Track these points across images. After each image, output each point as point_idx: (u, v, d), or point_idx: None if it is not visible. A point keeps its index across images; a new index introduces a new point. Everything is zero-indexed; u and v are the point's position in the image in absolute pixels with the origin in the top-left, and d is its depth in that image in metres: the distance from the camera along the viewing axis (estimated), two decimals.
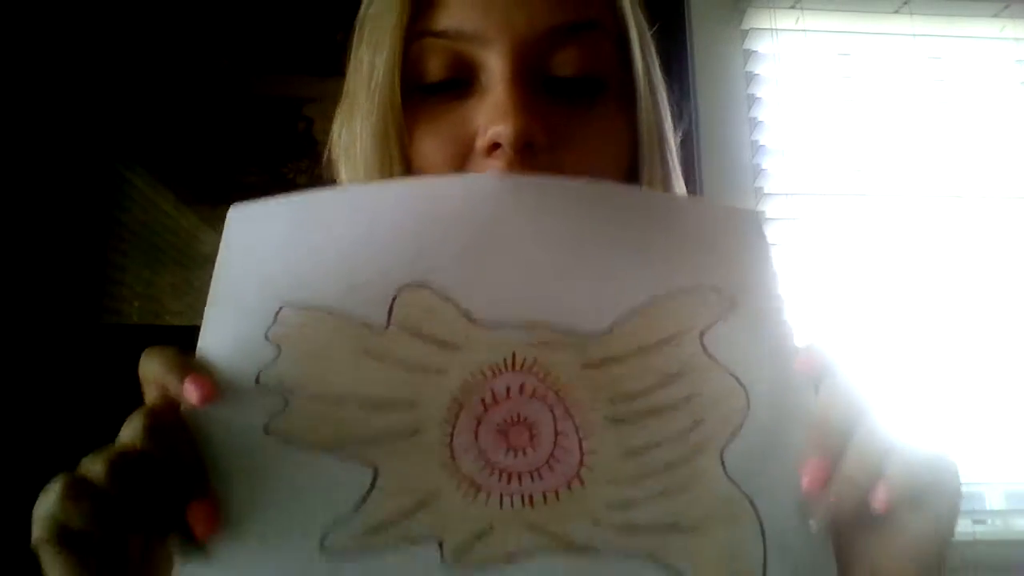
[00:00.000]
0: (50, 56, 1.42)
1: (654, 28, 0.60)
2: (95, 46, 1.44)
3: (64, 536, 0.38)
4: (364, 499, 0.41)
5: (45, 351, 1.32)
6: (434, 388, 0.43)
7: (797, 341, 0.45)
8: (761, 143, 1.54)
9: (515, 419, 0.43)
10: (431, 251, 0.45)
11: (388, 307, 0.43)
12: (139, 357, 0.41)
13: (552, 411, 0.43)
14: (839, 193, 1.55)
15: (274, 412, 0.42)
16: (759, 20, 1.57)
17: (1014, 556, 1.47)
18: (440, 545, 0.41)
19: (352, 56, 0.57)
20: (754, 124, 1.55)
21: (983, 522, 1.53)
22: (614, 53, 0.54)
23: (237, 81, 1.51)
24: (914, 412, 0.41)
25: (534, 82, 0.50)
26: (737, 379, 0.44)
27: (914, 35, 1.57)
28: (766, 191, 1.53)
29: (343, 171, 0.58)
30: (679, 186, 0.60)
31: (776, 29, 1.56)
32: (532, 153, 0.49)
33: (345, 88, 0.58)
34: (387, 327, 0.43)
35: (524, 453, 0.42)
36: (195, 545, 0.39)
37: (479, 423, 0.42)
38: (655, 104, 0.56)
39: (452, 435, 0.42)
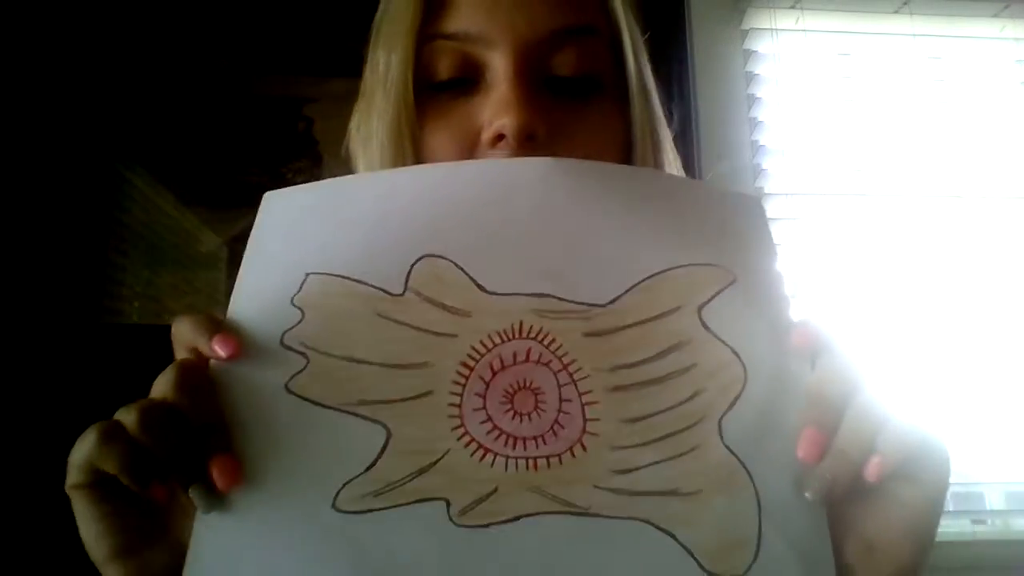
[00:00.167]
0: (50, 57, 1.44)
1: (647, 35, 0.64)
2: (95, 46, 1.46)
3: (97, 481, 0.41)
4: (377, 458, 0.44)
5: (45, 351, 1.33)
6: (445, 351, 0.45)
7: (794, 317, 0.47)
8: (761, 143, 1.56)
9: (521, 384, 0.45)
10: (447, 227, 0.48)
11: (405, 275, 0.46)
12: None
13: (556, 378, 0.45)
14: (839, 193, 1.57)
15: (295, 371, 0.45)
16: (759, 20, 1.60)
17: (1014, 556, 1.48)
18: (447, 504, 0.43)
19: (368, 57, 0.61)
20: (754, 124, 1.57)
21: (983, 522, 1.54)
22: (609, 55, 0.58)
23: (237, 81, 1.52)
24: (905, 389, 0.44)
25: (535, 80, 0.54)
26: (734, 351, 0.46)
27: (914, 35, 1.59)
28: (766, 191, 1.55)
29: (360, 163, 0.63)
30: None
31: (776, 29, 1.58)
32: (533, 145, 0.53)
33: (362, 87, 0.62)
34: (403, 293, 0.46)
35: (529, 418, 0.45)
36: (215, 496, 0.42)
37: (487, 387, 0.45)
38: (647, 102, 0.60)
39: (462, 398, 0.45)
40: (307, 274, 0.46)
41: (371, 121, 0.59)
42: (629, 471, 0.44)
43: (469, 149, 0.55)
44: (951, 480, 0.44)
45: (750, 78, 1.58)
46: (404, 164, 0.56)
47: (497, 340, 0.46)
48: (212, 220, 1.49)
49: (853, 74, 1.60)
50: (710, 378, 0.46)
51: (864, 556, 0.44)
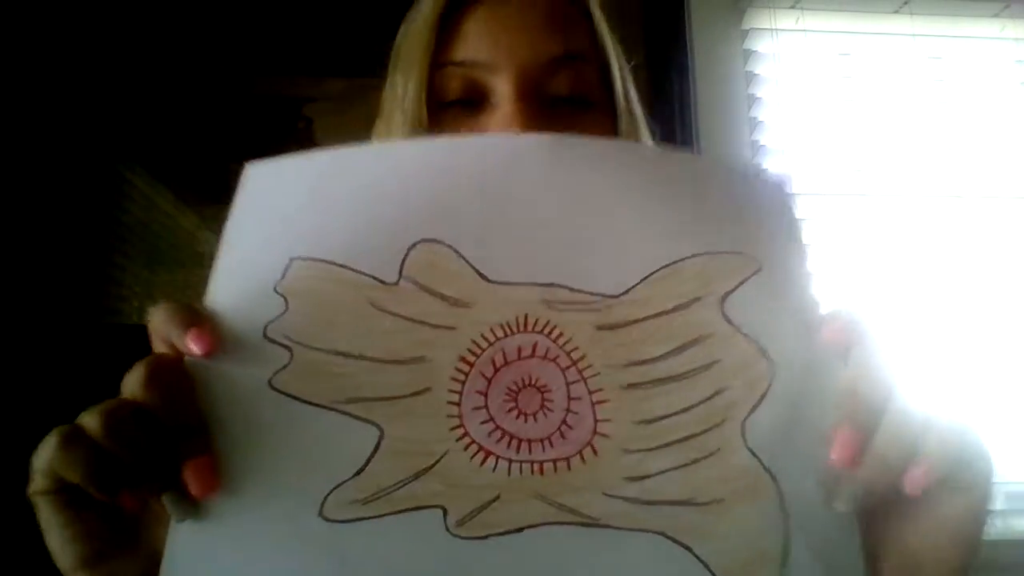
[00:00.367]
0: (50, 56, 1.40)
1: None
2: (95, 46, 1.42)
3: (59, 488, 0.37)
4: (368, 460, 0.39)
5: (45, 351, 1.29)
6: (443, 346, 0.40)
7: (824, 309, 0.42)
8: (761, 143, 1.52)
9: (526, 382, 0.40)
10: (446, 208, 0.42)
11: (400, 262, 0.41)
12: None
13: (564, 375, 0.40)
14: (839, 193, 1.53)
15: (279, 366, 0.40)
16: (759, 20, 1.55)
17: (1014, 556, 1.44)
18: (444, 513, 0.39)
19: (388, 80, 0.66)
20: (754, 124, 1.53)
21: None
22: (598, 79, 0.63)
23: (236, 81, 1.49)
24: (944, 389, 0.39)
25: (534, 100, 0.58)
26: (759, 346, 0.41)
27: (914, 35, 1.55)
28: None
29: None
30: None
31: (776, 29, 1.54)
32: None
33: (381, 107, 0.67)
34: (398, 281, 0.41)
35: (535, 418, 0.40)
36: (190, 504, 0.38)
37: (489, 384, 0.40)
38: (632, 118, 0.65)
39: (461, 396, 0.40)
40: (292, 259, 0.41)
41: (389, 138, 0.63)
42: (643, 477, 0.40)
43: None
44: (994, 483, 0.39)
45: (750, 78, 1.54)
46: None
47: (500, 333, 0.41)
48: (212, 220, 1.45)
49: (853, 74, 1.56)
50: (733, 375, 0.41)
51: (901, 571, 0.40)
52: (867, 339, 0.40)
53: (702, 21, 1.55)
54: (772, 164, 1.51)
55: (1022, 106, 1.56)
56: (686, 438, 0.40)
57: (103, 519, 0.39)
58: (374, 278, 0.41)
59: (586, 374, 0.40)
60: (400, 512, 0.39)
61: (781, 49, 1.54)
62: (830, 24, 1.56)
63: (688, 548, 0.39)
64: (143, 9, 1.46)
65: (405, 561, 0.38)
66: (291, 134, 1.48)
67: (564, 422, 0.40)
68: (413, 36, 0.63)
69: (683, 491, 0.39)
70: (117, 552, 0.39)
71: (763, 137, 1.53)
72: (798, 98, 1.54)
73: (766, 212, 0.44)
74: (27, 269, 1.32)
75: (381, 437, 0.39)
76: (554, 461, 0.40)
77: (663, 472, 0.40)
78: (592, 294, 0.41)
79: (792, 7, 1.54)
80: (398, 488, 0.39)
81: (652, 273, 0.42)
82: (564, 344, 0.41)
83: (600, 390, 0.40)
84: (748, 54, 1.55)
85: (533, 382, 0.40)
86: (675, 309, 0.41)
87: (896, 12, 1.55)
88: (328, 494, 0.39)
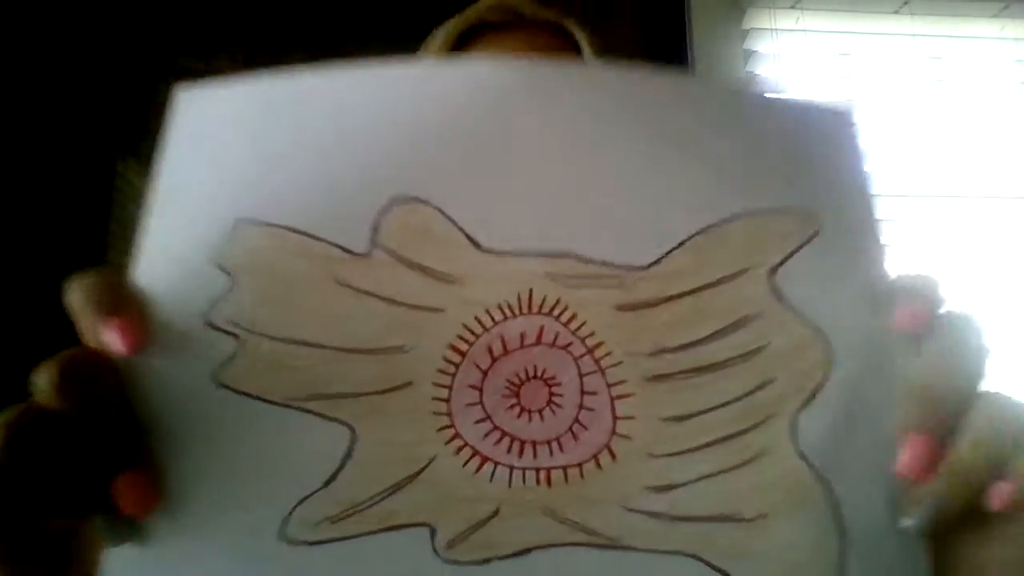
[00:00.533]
0: (49, 56, 1.33)
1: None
2: (95, 45, 1.35)
3: None
4: (338, 469, 0.31)
5: (44, 350, 1.22)
6: (428, 331, 0.32)
7: (896, 285, 0.34)
8: None
9: (530, 373, 0.32)
10: (431, 156, 0.33)
11: (372, 225, 0.32)
12: None
13: (577, 365, 0.32)
14: None
15: (226, 358, 0.31)
16: (759, 20, 1.48)
17: None
18: (432, 532, 0.31)
19: None
20: None
21: None
22: None
23: (233, 74, 1.42)
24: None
25: None
26: (816, 329, 0.33)
27: (914, 35, 1.48)
28: None
29: None
30: None
31: (776, 29, 1.47)
32: None
33: None
34: (370, 251, 0.32)
35: (541, 417, 0.32)
36: (126, 526, 0.30)
37: (485, 377, 0.32)
38: None
39: (450, 391, 0.32)
40: (237, 221, 0.32)
41: None
42: (672, 487, 0.32)
43: None
44: None
45: (750, 78, 1.46)
46: None
47: (498, 315, 0.32)
48: None
49: (853, 74, 1.49)
50: (782, 364, 0.32)
51: None
52: (949, 325, 0.32)
53: (702, 21, 1.48)
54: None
55: (1022, 106, 1.50)
56: (724, 439, 0.32)
57: (27, 545, 0.30)
58: (339, 247, 0.32)
59: (604, 363, 0.32)
60: (379, 531, 0.31)
61: (781, 49, 1.47)
62: (830, 24, 1.49)
63: (726, 573, 0.31)
64: (143, 7, 1.39)
65: None
66: None
67: (576, 421, 0.32)
68: (430, 53, 0.65)
69: (720, 504, 0.31)
70: None
71: None
72: (798, 98, 1.46)
73: (827, 157, 0.35)
74: (27, 269, 1.23)
75: (353, 440, 0.31)
76: (564, 468, 0.31)
77: (696, 481, 0.32)
78: (612, 265, 0.33)
79: (792, 7, 1.47)
80: (375, 502, 0.31)
81: (687, 239, 0.33)
82: (577, 328, 0.32)
83: (621, 382, 0.32)
84: (748, 54, 1.48)
85: (539, 374, 0.32)
86: (714, 284, 0.33)
87: (896, 12, 1.49)
88: (291, 511, 0.30)
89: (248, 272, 0.32)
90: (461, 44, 0.68)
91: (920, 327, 0.32)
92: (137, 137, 1.34)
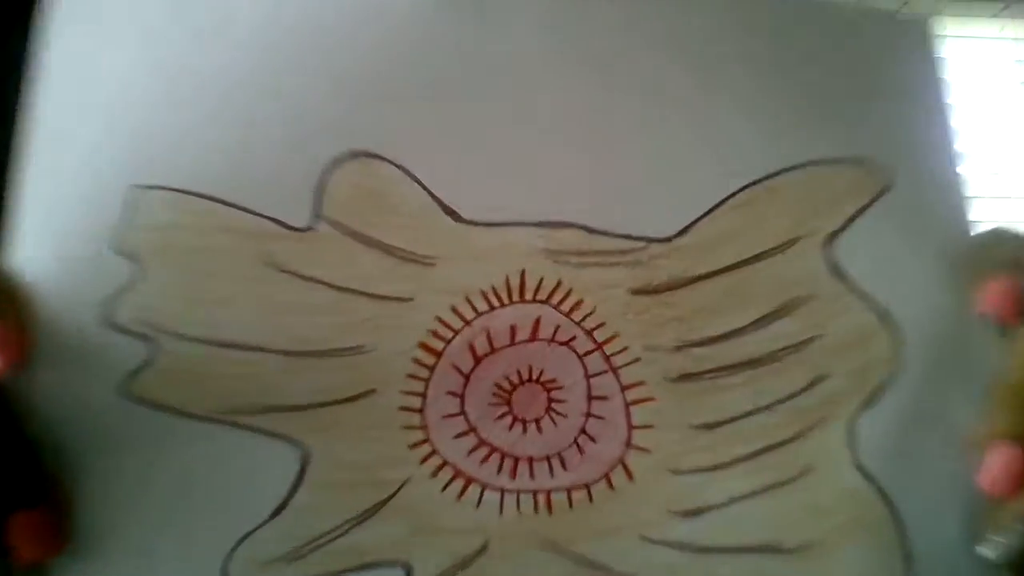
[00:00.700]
0: None
1: None
2: None
3: None
4: (288, 497, 0.24)
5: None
6: (393, 325, 0.25)
7: (982, 257, 0.26)
8: None
9: (524, 376, 0.25)
10: (391, 93, 0.25)
11: (315, 190, 0.24)
12: None
13: (583, 364, 0.25)
14: None
15: (135, 366, 0.24)
16: None
17: None
18: (407, 572, 0.25)
19: None
20: None
21: None
22: None
23: None
24: None
25: None
26: (882, 313, 0.25)
27: None
28: None
29: None
30: None
31: None
32: None
33: None
34: (314, 224, 0.24)
35: (538, 428, 0.25)
36: (25, 573, 0.24)
37: (467, 382, 0.25)
38: None
39: (424, 399, 0.24)
40: (134, 192, 0.24)
41: None
42: (701, 511, 0.25)
43: None
44: None
45: None
46: None
47: (482, 304, 0.25)
48: None
49: None
50: (840, 357, 0.26)
51: None
52: None
53: None
54: None
55: (1022, 106, 1.49)
56: (766, 450, 0.25)
57: None
58: (274, 220, 0.24)
59: (616, 361, 0.25)
60: (342, 573, 0.24)
61: None
62: None
63: None
64: None
65: None
66: None
67: (583, 432, 0.25)
68: None
69: (761, 531, 0.25)
70: None
71: None
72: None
73: (900, 85, 0.27)
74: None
75: (305, 461, 0.24)
76: (568, 490, 0.25)
77: (731, 503, 0.25)
78: (627, 237, 0.25)
79: None
80: (335, 537, 0.24)
81: (721, 202, 0.25)
82: (583, 318, 0.25)
83: (638, 384, 0.25)
84: None
85: (535, 376, 0.25)
86: (755, 258, 0.25)
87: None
88: (232, 549, 0.24)
89: (154, 254, 0.24)
90: None
91: (1013, 312, 0.25)
92: None
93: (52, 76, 0.24)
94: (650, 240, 0.25)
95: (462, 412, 0.25)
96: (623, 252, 0.25)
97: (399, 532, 0.25)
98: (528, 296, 0.25)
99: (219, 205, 0.24)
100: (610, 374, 0.25)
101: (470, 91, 0.25)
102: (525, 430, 0.25)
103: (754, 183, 0.25)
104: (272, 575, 0.24)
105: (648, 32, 0.26)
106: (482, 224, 0.24)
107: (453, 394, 0.25)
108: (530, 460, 0.25)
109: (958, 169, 0.26)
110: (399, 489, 0.25)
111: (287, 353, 0.24)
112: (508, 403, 0.25)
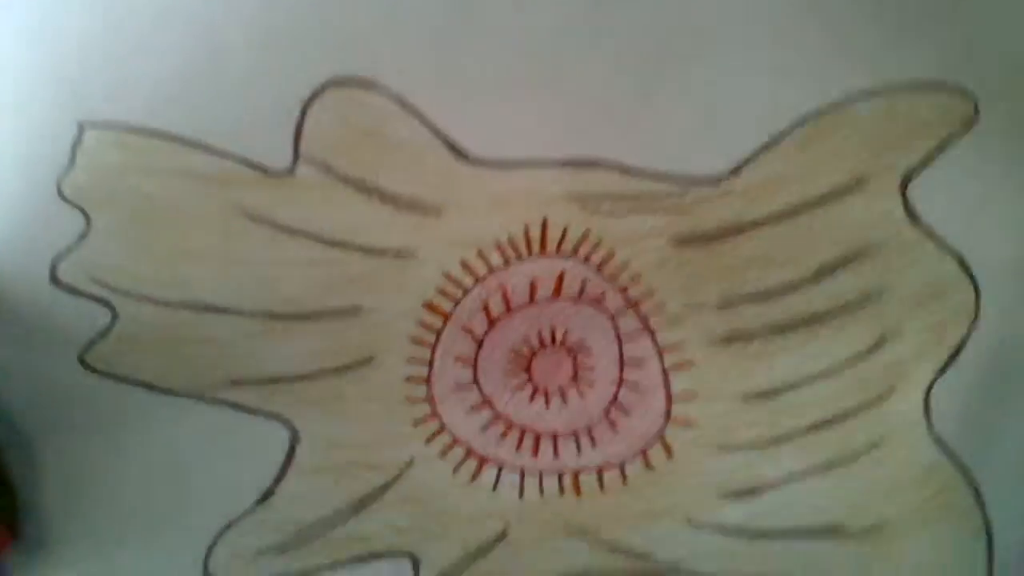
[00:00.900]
0: None
1: None
2: None
3: None
4: (276, 481, 0.21)
5: None
6: (394, 283, 0.21)
7: None
8: None
9: (546, 340, 0.21)
10: (381, 6, 0.20)
11: (294, 128, 0.20)
12: None
13: (615, 325, 0.21)
14: None
15: (95, 332, 0.20)
16: None
17: None
18: (414, 564, 0.22)
19: None
20: None
21: None
22: None
23: None
24: None
25: None
26: (962, 261, 0.21)
27: None
28: None
29: None
30: None
31: None
32: None
33: None
34: (293, 167, 0.20)
35: (563, 400, 0.21)
36: None
37: (480, 347, 0.21)
38: None
39: (431, 368, 0.21)
40: (84, 130, 0.20)
41: None
42: (753, 492, 0.22)
43: None
44: None
45: None
46: None
47: (497, 258, 0.21)
48: None
49: None
50: (914, 312, 0.22)
51: None
52: None
53: None
54: None
55: None
56: (826, 423, 0.21)
57: None
58: (245, 162, 0.20)
59: (654, 323, 0.21)
60: (342, 565, 0.21)
61: None
62: None
63: None
64: None
65: None
66: None
67: (614, 403, 0.21)
68: None
69: (819, 511, 0.22)
70: None
71: None
72: None
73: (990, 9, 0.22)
74: None
75: (294, 441, 0.21)
76: (598, 470, 0.21)
77: (788, 482, 0.22)
78: (668, 178, 0.20)
79: None
80: (332, 526, 0.21)
81: (780, 135, 0.20)
82: (615, 274, 0.20)
83: (678, 347, 0.21)
84: None
85: (558, 340, 0.21)
86: (822, 200, 0.21)
87: None
88: (214, 541, 0.21)
89: (103, 204, 0.20)
90: None
91: None
92: None
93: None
94: (696, 181, 0.20)
95: (475, 382, 0.21)
96: (663, 196, 0.20)
97: (403, 520, 0.21)
98: (551, 248, 0.20)
99: (177, 144, 0.19)
100: (645, 335, 0.21)
101: (482, 9, 0.20)
102: (548, 402, 0.21)
103: (818, 113, 0.20)
104: (261, 568, 0.21)
105: None
106: (495, 164, 0.20)
107: (465, 362, 0.21)
108: (554, 436, 0.21)
109: None
110: (402, 472, 0.21)
111: (272, 316, 0.20)
112: (528, 371, 0.21)
